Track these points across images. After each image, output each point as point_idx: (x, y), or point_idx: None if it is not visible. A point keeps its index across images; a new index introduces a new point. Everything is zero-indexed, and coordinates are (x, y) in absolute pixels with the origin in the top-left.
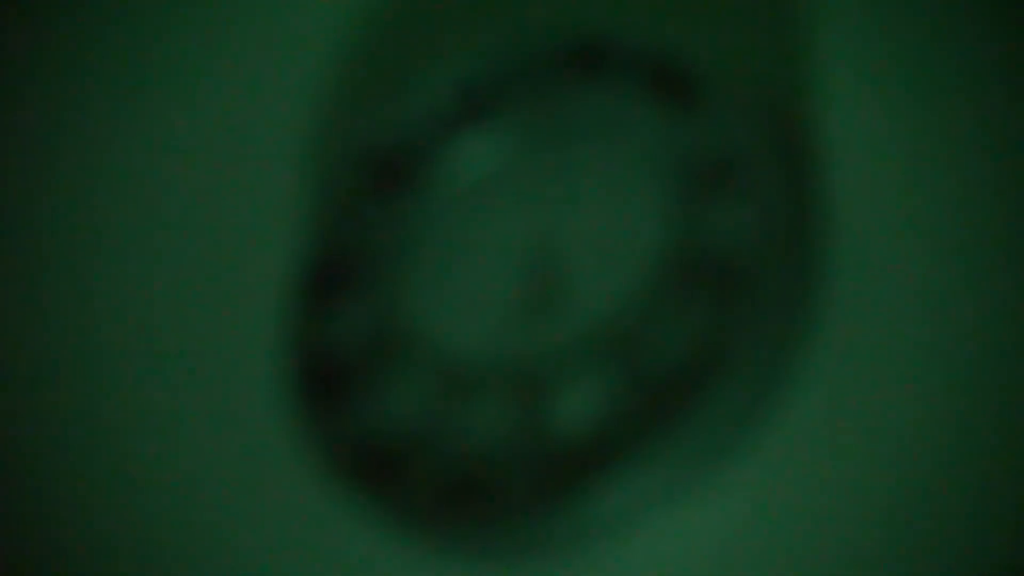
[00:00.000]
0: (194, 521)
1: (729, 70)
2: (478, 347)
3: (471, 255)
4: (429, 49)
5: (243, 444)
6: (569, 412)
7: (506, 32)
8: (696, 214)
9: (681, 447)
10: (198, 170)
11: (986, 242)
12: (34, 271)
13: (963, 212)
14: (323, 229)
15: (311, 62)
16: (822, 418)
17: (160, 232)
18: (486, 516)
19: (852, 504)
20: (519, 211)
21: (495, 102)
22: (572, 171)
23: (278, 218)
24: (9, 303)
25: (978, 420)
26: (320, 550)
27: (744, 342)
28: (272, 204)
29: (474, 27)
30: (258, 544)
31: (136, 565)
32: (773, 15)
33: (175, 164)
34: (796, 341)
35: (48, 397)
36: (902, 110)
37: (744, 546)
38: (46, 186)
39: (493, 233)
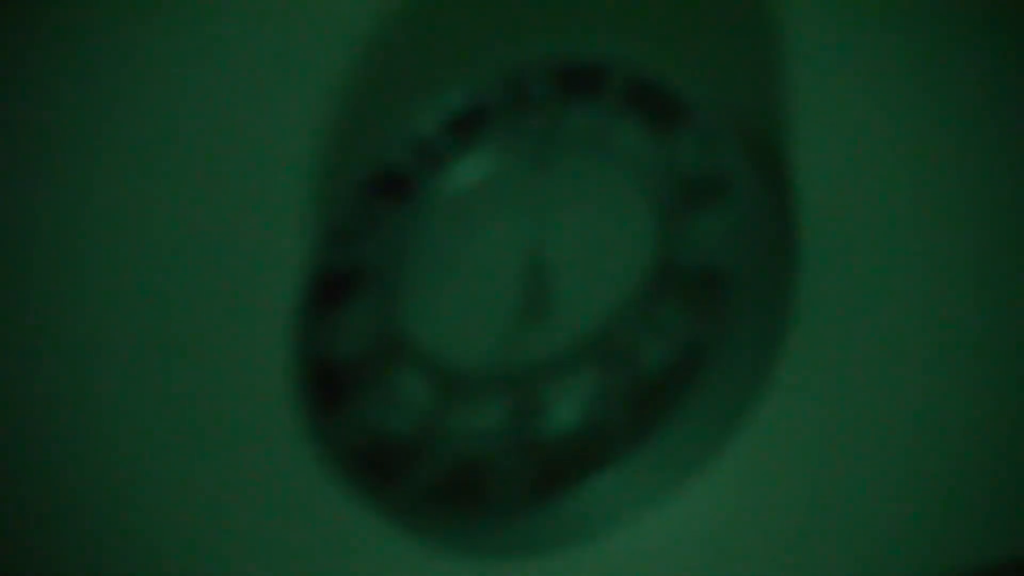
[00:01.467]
0: (198, 520)
1: (713, 91)
2: (472, 354)
3: (466, 266)
4: (429, 67)
5: (247, 446)
6: (559, 416)
7: (501, 53)
8: (681, 228)
9: (666, 449)
10: (206, 185)
11: (964, 252)
12: (44, 281)
13: (938, 224)
14: (326, 240)
15: (315, 81)
16: (801, 422)
17: (168, 243)
18: (479, 515)
19: (831, 504)
20: (512, 224)
21: (490, 120)
22: (563, 186)
23: (282, 230)
24: (15, 311)
25: (957, 421)
26: (319, 547)
27: (726, 349)
28: (277, 217)
29: (470, 47)
30: (260, 542)
31: (140, 564)
32: (756, 40)
33: (183, 177)
34: (776, 348)
35: (59, 402)
36: (878, 128)
37: (727, 544)
38: (53, 195)
39: (487, 245)
